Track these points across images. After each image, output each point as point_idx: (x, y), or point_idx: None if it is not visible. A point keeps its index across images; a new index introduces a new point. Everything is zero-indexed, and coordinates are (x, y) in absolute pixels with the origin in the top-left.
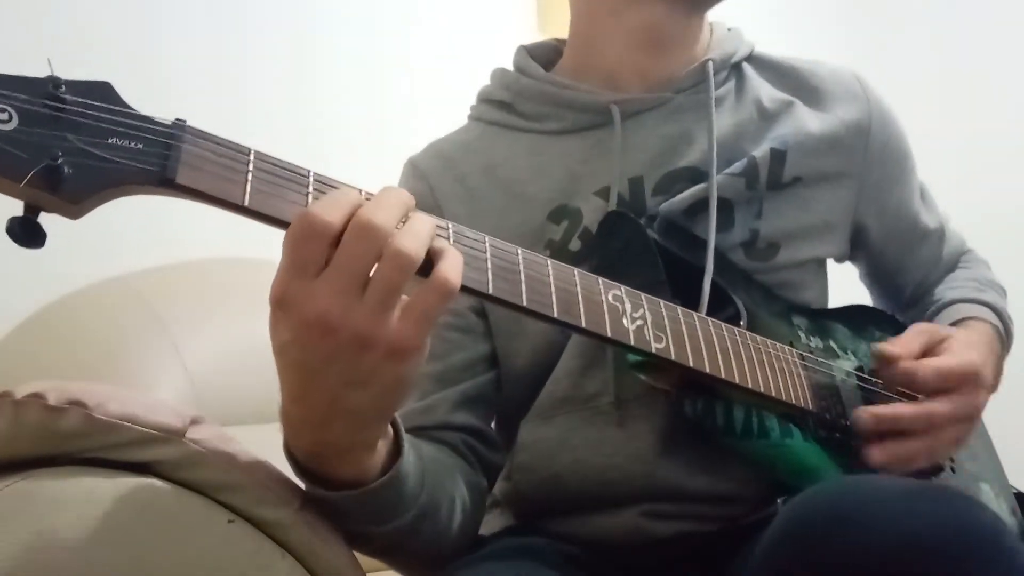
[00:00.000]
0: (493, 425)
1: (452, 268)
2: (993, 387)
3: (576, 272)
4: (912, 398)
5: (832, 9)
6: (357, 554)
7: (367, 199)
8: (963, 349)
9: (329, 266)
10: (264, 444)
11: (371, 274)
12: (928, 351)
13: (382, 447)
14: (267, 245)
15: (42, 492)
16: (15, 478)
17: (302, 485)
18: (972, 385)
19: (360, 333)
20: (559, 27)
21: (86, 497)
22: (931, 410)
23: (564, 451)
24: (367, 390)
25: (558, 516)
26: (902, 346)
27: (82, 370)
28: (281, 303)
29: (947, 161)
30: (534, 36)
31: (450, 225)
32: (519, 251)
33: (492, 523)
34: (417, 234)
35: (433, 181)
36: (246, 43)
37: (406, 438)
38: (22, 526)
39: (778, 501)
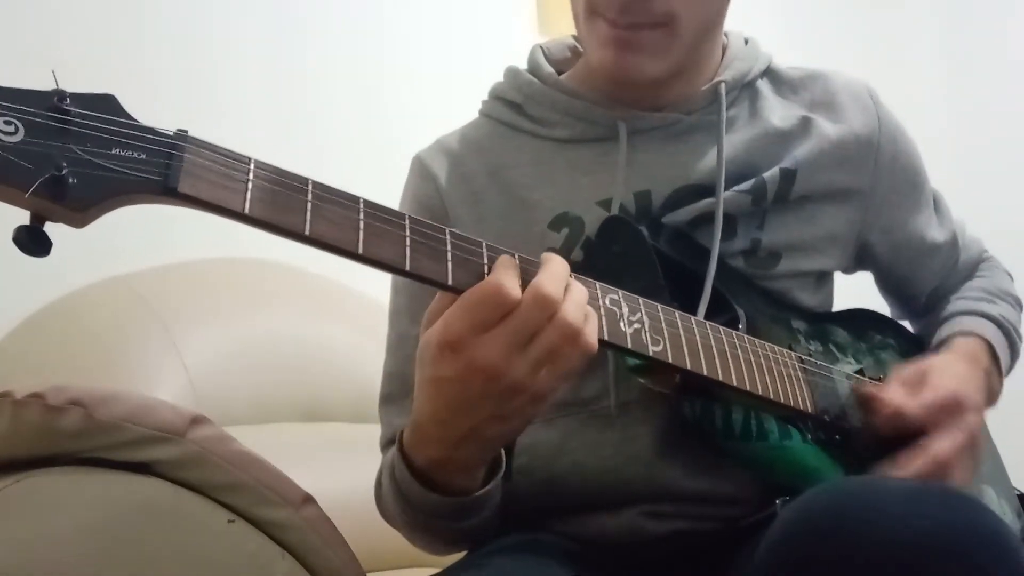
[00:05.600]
0: None
1: (595, 333)
2: (988, 402)
3: (573, 276)
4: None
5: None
6: (357, 554)
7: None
8: (940, 378)
9: (504, 324)
10: (264, 444)
11: (538, 335)
12: (911, 389)
13: None
14: (266, 246)
15: (42, 492)
16: (15, 478)
17: (412, 489)
18: (959, 411)
19: (517, 382)
20: (559, 27)
21: (86, 497)
22: (936, 457)
23: (563, 454)
24: (506, 424)
25: (558, 516)
26: (886, 391)
27: (82, 370)
28: (454, 346)
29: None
30: (534, 36)
31: None
32: (515, 255)
33: None
34: (579, 304)
35: (441, 183)
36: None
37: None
38: (22, 526)
39: (776, 502)
